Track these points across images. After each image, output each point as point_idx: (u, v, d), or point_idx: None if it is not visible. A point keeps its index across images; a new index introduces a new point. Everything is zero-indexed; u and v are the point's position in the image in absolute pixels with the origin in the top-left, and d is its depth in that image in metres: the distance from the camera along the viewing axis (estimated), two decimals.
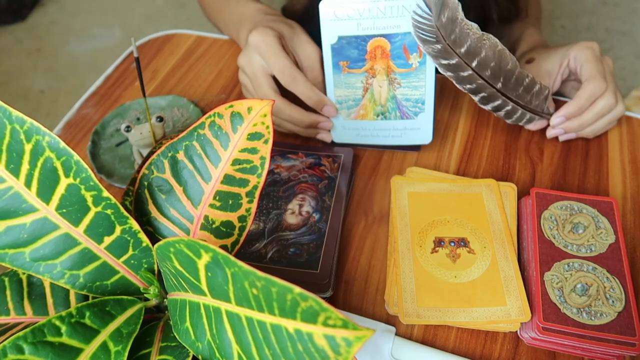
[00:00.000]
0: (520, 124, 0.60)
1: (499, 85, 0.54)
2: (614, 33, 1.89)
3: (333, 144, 0.62)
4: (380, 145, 0.62)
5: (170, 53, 0.76)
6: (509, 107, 0.57)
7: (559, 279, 0.47)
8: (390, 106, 0.58)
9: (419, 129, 0.59)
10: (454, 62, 0.52)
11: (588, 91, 0.57)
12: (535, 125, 0.60)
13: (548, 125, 0.60)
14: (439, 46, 0.52)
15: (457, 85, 0.54)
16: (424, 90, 0.56)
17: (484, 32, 0.52)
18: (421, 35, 0.51)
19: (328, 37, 0.55)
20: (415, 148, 0.62)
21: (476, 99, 0.56)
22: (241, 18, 0.68)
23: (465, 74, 0.53)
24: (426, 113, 0.57)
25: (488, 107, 0.57)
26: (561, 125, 0.59)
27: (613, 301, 0.45)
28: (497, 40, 0.53)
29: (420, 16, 0.51)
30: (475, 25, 0.52)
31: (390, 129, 0.59)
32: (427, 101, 0.57)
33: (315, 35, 0.58)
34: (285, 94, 0.57)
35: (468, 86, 0.54)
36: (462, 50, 0.52)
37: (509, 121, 0.59)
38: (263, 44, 0.55)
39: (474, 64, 0.53)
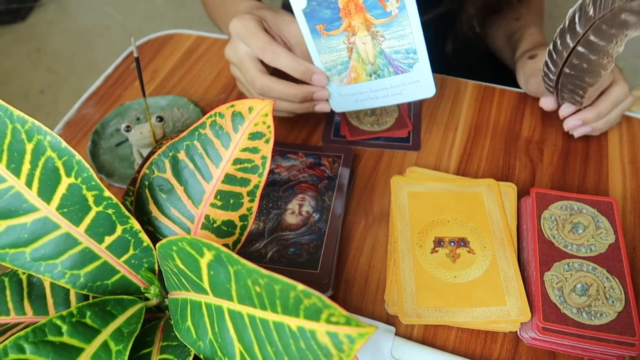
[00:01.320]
0: (544, 85, 0.59)
1: (567, 70, 0.53)
2: None
3: (332, 135, 0.61)
4: (376, 138, 0.61)
5: (170, 53, 0.76)
6: (552, 77, 0.56)
7: (559, 279, 0.47)
8: (380, 62, 0.55)
9: (419, 82, 0.55)
10: (578, 31, 0.50)
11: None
12: (547, 100, 0.60)
13: (555, 115, 0.60)
14: (596, 14, 0.49)
15: (557, 37, 0.52)
16: (411, 37, 0.52)
17: (610, 65, 0.51)
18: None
19: (297, 3, 0.52)
20: (415, 147, 0.62)
21: (549, 48, 0.54)
22: (235, 16, 0.68)
23: (569, 41, 0.52)
24: (421, 62, 0.53)
25: (546, 58, 0.55)
26: (579, 116, 0.58)
27: (613, 301, 0.45)
28: (608, 72, 0.52)
29: None
30: (614, 58, 0.51)
31: (388, 87, 0.56)
32: (418, 49, 0.53)
33: None
34: (275, 75, 0.56)
35: (559, 47, 0.53)
36: (591, 37, 0.50)
37: (542, 74, 0.58)
38: (242, 28, 0.55)
39: (580, 49, 0.51)
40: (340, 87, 0.58)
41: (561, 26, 0.53)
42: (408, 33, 0.52)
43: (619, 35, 0.50)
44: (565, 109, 0.59)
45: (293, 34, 0.57)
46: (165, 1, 2.12)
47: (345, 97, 0.58)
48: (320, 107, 0.59)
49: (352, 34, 0.53)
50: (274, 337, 0.25)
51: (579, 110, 0.59)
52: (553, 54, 0.54)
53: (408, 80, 0.55)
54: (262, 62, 0.56)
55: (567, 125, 0.60)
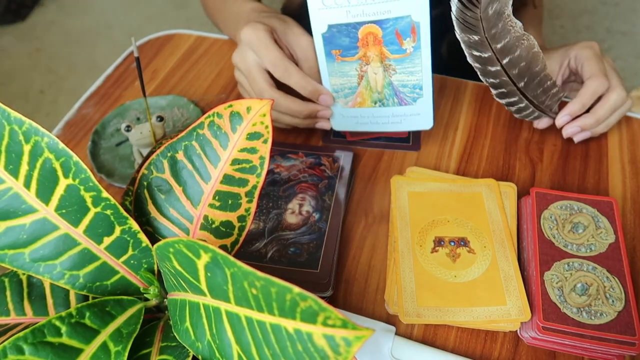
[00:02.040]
0: (527, 119, 0.60)
1: (522, 84, 0.54)
2: (614, 33, 1.89)
3: (331, 132, 0.62)
4: (377, 137, 0.62)
5: (170, 53, 0.76)
6: (522, 105, 0.57)
7: (559, 279, 0.47)
8: (387, 93, 0.57)
9: (419, 115, 0.58)
10: (486, 55, 0.52)
11: (591, 88, 0.57)
12: (541, 123, 0.61)
13: (553, 124, 0.60)
14: (476, 37, 0.51)
15: (480, 77, 0.54)
16: (420, 75, 0.55)
17: (525, 32, 0.52)
18: (461, 24, 0.50)
19: (318, 26, 0.54)
20: (415, 147, 0.62)
21: (494, 92, 0.56)
22: (237, 17, 0.68)
23: (494, 69, 0.53)
24: (425, 98, 0.56)
25: (502, 102, 0.57)
26: (578, 123, 0.58)
27: (613, 301, 0.45)
28: (535, 42, 0.53)
29: (465, 3, 0.49)
30: (519, 24, 0.51)
31: (390, 116, 0.58)
32: (424, 86, 0.55)
33: (311, 30, 0.57)
34: (280, 87, 0.57)
35: (491, 80, 0.54)
36: (499, 46, 0.51)
37: (517, 116, 0.60)
38: (255, 38, 0.55)
39: (504, 61, 0.52)
40: (344, 108, 0.59)
41: (479, 74, 0.54)
42: (418, 71, 0.55)
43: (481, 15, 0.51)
44: (562, 118, 0.59)
45: (301, 48, 0.58)
46: (165, 1, 2.12)
47: (346, 118, 0.60)
48: (321, 125, 0.61)
49: (366, 64, 0.56)
50: (271, 339, 0.25)
51: (577, 117, 0.59)
52: (502, 90, 0.56)
53: (410, 112, 0.58)
54: (269, 73, 0.57)
55: (566, 132, 0.60)
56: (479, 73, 0.54)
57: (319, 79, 0.58)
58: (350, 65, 0.56)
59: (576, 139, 0.61)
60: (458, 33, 0.51)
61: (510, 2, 0.50)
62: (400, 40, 0.53)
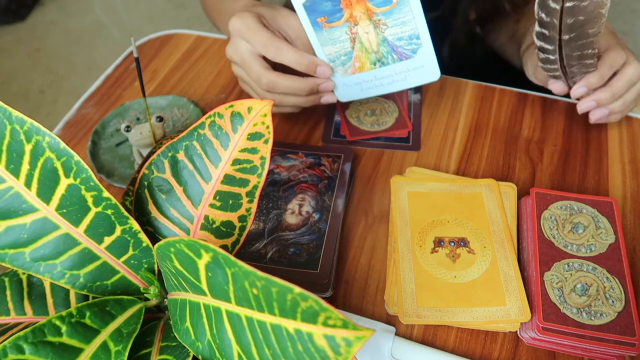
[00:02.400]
0: (547, 73, 0.58)
1: (566, 37, 0.52)
2: None
3: (332, 135, 0.62)
4: (376, 138, 0.61)
5: (170, 53, 0.76)
6: (552, 57, 0.55)
7: (559, 279, 0.47)
8: (384, 50, 0.55)
9: (423, 67, 0.56)
10: (557, 7, 0.50)
11: (609, 60, 0.55)
12: (555, 84, 0.59)
13: (568, 93, 0.58)
14: None
15: (536, 7, 0.51)
16: (414, 23, 0.52)
17: None
18: None
19: None
20: (415, 147, 0.62)
21: (537, 29, 0.53)
22: (232, 14, 0.68)
23: (553, 5, 0.50)
24: (424, 47, 0.54)
25: (538, 43, 0.54)
26: (593, 97, 0.57)
27: (613, 301, 0.45)
28: (608, 4, 0.49)
29: None
30: None
31: (393, 74, 0.57)
32: (421, 34, 0.53)
33: None
34: (278, 70, 0.56)
35: (542, 15, 0.52)
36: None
37: (540, 65, 0.57)
38: (242, 25, 0.55)
39: (567, 4, 0.49)
40: (345, 77, 0.58)
41: (537, 1, 0.51)
42: (410, 19, 0.52)
43: None
44: (578, 89, 0.56)
45: (292, 27, 0.57)
46: (165, 1, 2.12)
47: (350, 86, 0.59)
48: (326, 99, 0.59)
49: (354, 24, 0.53)
50: (272, 339, 0.25)
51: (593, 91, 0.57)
52: (544, 31, 0.53)
53: (412, 65, 0.56)
54: (264, 58, 0.56)
55: (581, 106, 0.58)
56: (537, 22, 0.51)
57: (314, 54, 0.57)
58: (340, 29, 0.54)
59: (592, 118, 0.59)
60: None
61: None
62: None
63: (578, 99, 0.59)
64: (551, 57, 0.55)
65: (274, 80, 0.55)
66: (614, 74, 0.57)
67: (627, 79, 0.56)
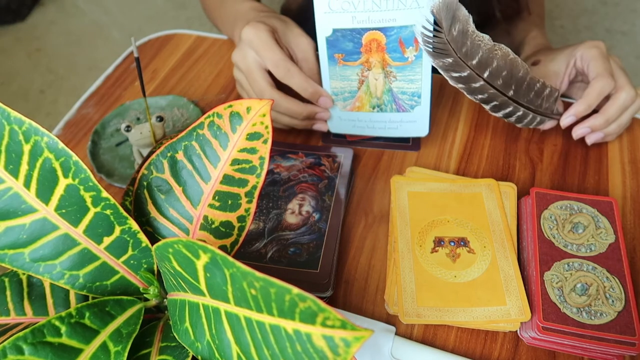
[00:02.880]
0: (531, 126, 0.60)
1: (511, 92, 0.54)
2: (614, 33, 1.89)
3: (329, 134, 0.63)
4: (376, 138, 0.62)
5: (170, 53, 0.76)
6: (520, 113, 0.57)
7: (559, 279, 0.47)
8: (386, 99, 0.58)
9: (415, 122, 0.59)
10: (465, 74, 0.52)
11: (597, 89, 0.56)
12: (546, 125, 0.60)
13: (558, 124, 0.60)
14: (450, 60, 0.51)
15: (468, 96, 0.54)
16: (420, 84, 0.56)
17: (495, 43, 0.52)
18: (431, 50, 0.51)
19: (323, 29, 0.54)
20: (415, 147, 0.62)
21: (487, 107, 0.56)
22: (236, 16, 0.68)
23: (477, 84, 0.53)
24: (422, 106, 0.57)
25: (499, 114, 0.57)
26: (587, 124, 0.58)
27: (613, 301, 0.45)
28: (509, 50, 0.53)
29: (430, 30, 0.51)
30: (487, 37, 0.51)
31: (387, 121, 0.59)
32: (423, 94, 0.56)
33: (311, 33, 0.58)
34: (280, 88, 0.57)
35: (479, 96, 0.54)
36: (474, 62, 0.52)
37: (519, 125, 0.59)
38: (256, 38, 0.55)
39: (485, 75, 0.53)
40: (342, 111, 0.60)
41: (466, 91, 0.54)
42: (418, 79, 0.56)
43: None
44: (566, 119, 0.58)
45: (301, 48, 0.58)
46: (165, 1, 2.12)
47: (344, 121, 0.61)
48: (318, 127, 0.61)
49: (367, 69, 0.56)
50: (271, 339, 0.25)
51: (586, 118, 0.58)
52: (493, 103, 0.55)
53: (407, 118, 0.59)
54: (269, 73, 0.57)
55: (576, 132, 0.59)
56: (465, 93, 0.54)
57: (318, 80, 0.58)
58: (352, 69, 0.56)
59: (589, 141, 0.60)
60: (432, 61, 0.52)
61: (471, 19, 0.50)
62: (402, 49, 0.54)
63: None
64: (519, 113, 0.57)
65: (277, 99, 0.56)
66: (607, 99, 0.58)
67: (620, 104, 0.57)
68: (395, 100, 0.57)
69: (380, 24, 0.53)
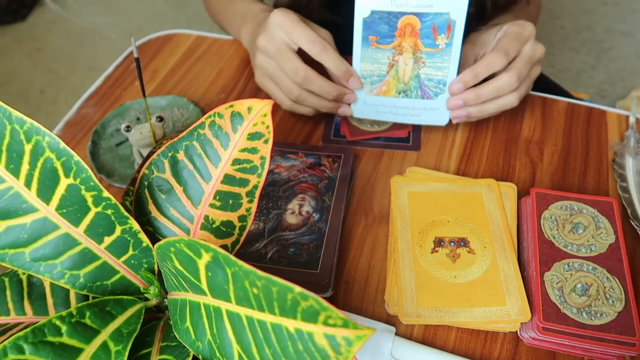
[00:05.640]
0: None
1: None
2: (614, 33, 1.89)
3: (331, 135, 0.63)
4: (376, 138, 0.63)
5: (170, 53, 0.76)
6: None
7: (559, 279, 0.47)
8: (412, 84, 0.58)
9: (437, 110, 0.59)
10: None
11: (486, 60, 0.55)
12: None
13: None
14: None
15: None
16: (447, 71, 0.57)
17: None
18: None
19: (361, 10, 0.55)
20: (415, 147, 0.62)
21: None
22: (244, 17, 0.68)
23: None
24: (446, 94, 0.58)
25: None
26: (461, 95, 0.56)
27: (613, 301, 0.45)
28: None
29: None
30: None
31: (410, 108, 0.60)
32: (448, 82, 0.57)
33: None
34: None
35: None
36: None
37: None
38: (287, 19, 0.56)
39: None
40: (368, 95, 0.60)
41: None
42: (445, 67, 0.56)
43: None
44: (455, 85, 0.56)
45: (323, 36, 0.58)
46: (165, 1, 2.12)
47: (368, 105, 0.61)
48: (343, 110, 0.61)
49: (399, 53, 0.57)
50: (272, 338, 0.25)
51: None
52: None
53: (430, 106, 0.59)
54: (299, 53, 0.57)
55: (450, 104, 0.58)
56: None
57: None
58: (384, 52, 0.57)
59: (454, 120, 0.59)
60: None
61: None
62: (435, 35, 0.55)
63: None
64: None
65: (311, 76, 0.56)
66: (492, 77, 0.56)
67: (497, 86, 0.55)
68: (421, 87, 0.58)
69: (417, 9, 0.54)
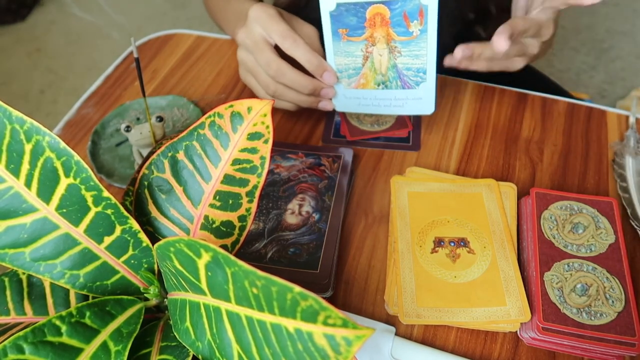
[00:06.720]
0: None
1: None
2: (614, 33, 1.89)
3: (332, 135, 0.63)
4: (376, 138, 0.62)
5: (170, 53, 0.76)
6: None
7: (559, 279, 0.47)
8: (391, 75, 0.57)
9: (421, 99, 0.58)
10: None
11: (537, 19, 0.55)
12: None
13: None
14: None
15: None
16: (425, 59, 0.55)
17: None
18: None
19: (326, 4, 0.54)
20: (415, 147, 0.62)
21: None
22: (239, 16, 0.68)
23: None
24: (428, 83, 0.56)
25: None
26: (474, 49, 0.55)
27: (613, 301, 0.45)
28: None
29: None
30: None
31: (392, 99, 0.59)
32: (428, 71, 0.56)
33: None
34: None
35: None
36: None
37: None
38: (264, 14, 0.55)
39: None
40: (347, 89, 0.59)
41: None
42: (423, 54, 0.55)
43: None
44: (501, 43, 0.53)
45: (306, 34, 0.58)
46: (165, 1, 2.12)
47: (349, 99, 0.60)
48: (324, 105, 0.60)
49: (372, 44, 0.56)
50: (272, 338, 0.25)
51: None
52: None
53: (412, 95, 0.58)
54: (276, 49, 0.57)
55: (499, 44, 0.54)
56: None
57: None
58: (356, 45, 0.56)
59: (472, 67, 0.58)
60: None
61: None
62: (407, 23, 0.53)
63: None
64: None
65: (283, 69, 0.56)
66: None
67: (533, 21, 0.56)
68: (400, 77, 0.57)
69: None
